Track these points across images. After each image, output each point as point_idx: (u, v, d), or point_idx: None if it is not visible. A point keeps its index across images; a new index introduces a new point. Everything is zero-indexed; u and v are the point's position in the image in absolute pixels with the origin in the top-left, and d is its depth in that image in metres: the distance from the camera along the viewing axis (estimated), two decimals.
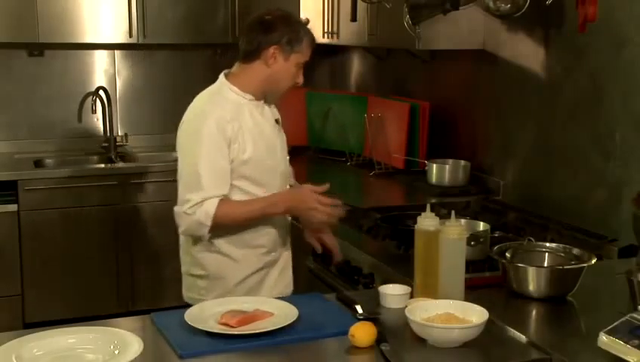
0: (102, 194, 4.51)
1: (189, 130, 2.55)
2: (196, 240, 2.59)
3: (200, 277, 2.63)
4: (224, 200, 2.48)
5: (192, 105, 2.61)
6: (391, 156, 4.18)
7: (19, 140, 4.94)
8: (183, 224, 2.50)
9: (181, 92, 3.95)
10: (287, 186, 2.73)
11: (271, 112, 2.67)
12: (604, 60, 2.97)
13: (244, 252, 2.60)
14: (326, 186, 2.58)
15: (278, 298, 2.22)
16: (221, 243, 2.58)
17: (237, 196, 2.54)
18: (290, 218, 2.76)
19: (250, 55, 2.54)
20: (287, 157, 2.75)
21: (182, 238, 2.69)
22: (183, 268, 2.71)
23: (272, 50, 2.50)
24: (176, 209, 2.51)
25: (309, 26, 2.65)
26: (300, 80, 2.61)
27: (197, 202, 2.44)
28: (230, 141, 2.48)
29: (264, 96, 2.61)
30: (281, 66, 2.53)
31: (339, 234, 3.05)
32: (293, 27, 2.53)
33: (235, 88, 2.56)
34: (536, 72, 3.36)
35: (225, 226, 2.52)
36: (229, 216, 2.49)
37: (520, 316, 2.15)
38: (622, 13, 2.87)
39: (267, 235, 2.63)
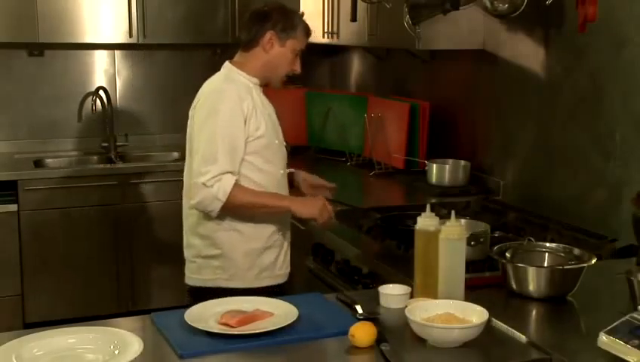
0: (102, 194, 4.51)
1: (205, 107, 2.65)
2: (209, 219, 2.67)
3: (214, 257, 2.70)
4: (239, 183, 2.59)
5: (204, 88, 2.74)
6: (391, 156, 4.17)
7: (19, 140, 4.95)
8: (199, 196, 2.57)
9: (181, 92, 3.97)
10: (287, 169, 2.87)
11: (269, 100, 2.84)
12: (604, 60, 2.97)
13: (257, 229, 2.71)
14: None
15: (278, 297, 2.22)
16: (235, 220, 2.67)
17: (248, 171, 2.65)
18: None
19: (250, 43, 2.72)
20: (284, 143, 2.88)
21: (192, 222, 2.75)
22: (193, 252, 2.76)
23: (268, 35, 2.68)
24: (194, 180, 2.59)
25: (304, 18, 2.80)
26: (297, 68, 2.77)
27: (215, 175, 2.54)
28: (246, 118, 2.62)
29: (265, 82, 2.78)
30: (278, 52, 2.71)
31: (339, 234, 3.06)
32: (287, 15, 2.72)
33: (241, 72, 2.72)
34: (536, 72, 3.36)
35: (234, 208, 2.61)
36: (242, 198, 2.59)
37: (520, 316, 2.15)
38: (622, 13, 2.87)
39: (276, 214, 2.73)
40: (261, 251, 2.72)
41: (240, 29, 2.81)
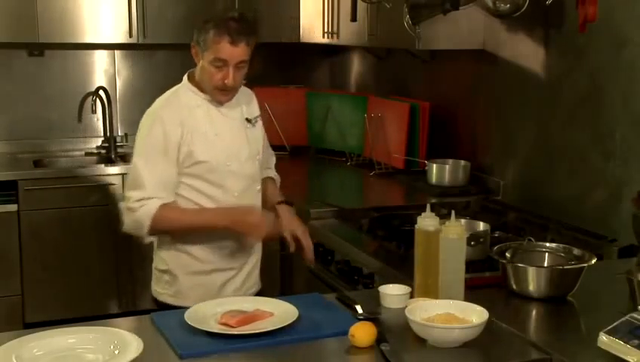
0: (102, 194, 4.51)
1: (140, 130, 2.60)
2: (163, 235, 2.60)
3: (164, 271, 2.65)
4: (169, 204, 2.49)
5: (152, 106, 2.66)
6: (391, 156, 4.17)
7: (19, 140, 4.95)
8: (125, 220, 2.53)
9: None
10: (258, 188, 2.69)
11: (240, 111, 2.66)
12: (604, 60, 2.97)
13: (207, 250, 2.59)
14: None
15: (279, 298, 2.22)
16: (184, 240, 2.59)
17: (188, 193, 2.55)
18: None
19: None
20: (259, 157, 2.69)
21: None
22: (153, 264, 2.73)
23: (192, 49, 2.60)
24: (120, 204, 2.54)
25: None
26: (229, 81, 2.51)
27: (138, 199, 2.46)
28: (179, 144, 2.51)
29: None
30: (201, 64, 2.56)
31: (339, 234, 3.06)
32: (207, 25, 2.55)
33: (194, 88, 2.62)
34: (536, 72, 3.36)
35: (164, 231, 2.54)
36: (168, 220, 2.50)
37: (520, 316, 2.15)
38: (622, 13, 2.87)
39: (233, 236, 2.59)
40: (207, 273, 2.60)
41: None
